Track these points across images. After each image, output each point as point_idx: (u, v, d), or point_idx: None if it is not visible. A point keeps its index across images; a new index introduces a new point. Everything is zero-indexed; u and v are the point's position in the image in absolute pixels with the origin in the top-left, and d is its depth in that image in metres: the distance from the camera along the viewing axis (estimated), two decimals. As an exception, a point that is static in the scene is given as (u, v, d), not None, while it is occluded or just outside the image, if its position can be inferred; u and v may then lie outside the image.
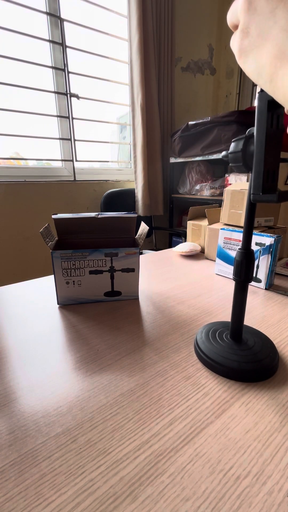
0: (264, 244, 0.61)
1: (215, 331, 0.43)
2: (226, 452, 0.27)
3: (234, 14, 0.21)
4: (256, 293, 0.62)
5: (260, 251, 0.63)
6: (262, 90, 0.27)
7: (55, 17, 1.50)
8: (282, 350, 0.42)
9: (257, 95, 0.28)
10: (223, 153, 0.34)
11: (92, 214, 0.55)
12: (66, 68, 1.58)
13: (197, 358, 0.40)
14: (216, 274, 0.74)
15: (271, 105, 0.27)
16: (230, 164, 0.33)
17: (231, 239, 0.68)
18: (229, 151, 0.33)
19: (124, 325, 0.49)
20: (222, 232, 0.71)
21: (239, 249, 0.38)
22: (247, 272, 0.37)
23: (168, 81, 1.89)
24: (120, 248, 0.53)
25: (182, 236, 1.95)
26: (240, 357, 0.37)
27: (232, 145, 0.33)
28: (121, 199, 1.86)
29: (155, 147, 1.87)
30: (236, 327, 0.40)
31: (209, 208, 0.96)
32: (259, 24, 0.19)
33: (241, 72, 2.23)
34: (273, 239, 0.60)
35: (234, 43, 0.21)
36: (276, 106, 0.28)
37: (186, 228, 1.02)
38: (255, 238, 0.63)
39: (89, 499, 0.23)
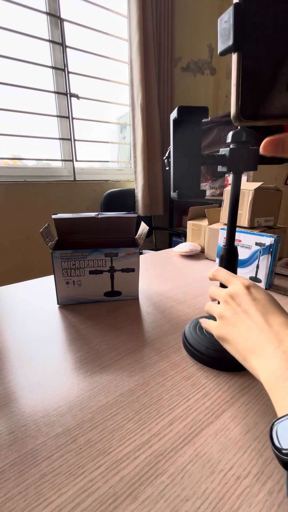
0: (264, 244, 0.61)
1: None
2: (226, 452, 0.27)
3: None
4: (256, 293, 0.62)
5: (260, 251, 0.63)
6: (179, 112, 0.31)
7: (55, 17, 1.50)
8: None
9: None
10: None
11: (92, 214, 0.55)
12: (66, 68, 1.58)
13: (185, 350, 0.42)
14: (216, 274, 0.74)
15: (176, 123, 0.33)
16: (166, 168, 0.39)
17: (231, 239, 0.68)
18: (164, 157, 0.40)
19: (124, 325, 0.49)
20: (222, 232, 0.71)
21: (223, 245, 0.39)
22: (230, 268, 0.39)
23: (168, 81, 1.89)
24: (120, 248, 0.53)
25: (182, 236, 1.95)
26: (220, 347, 0.39)
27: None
28: (121, 199, 1.86)
29: (155, 147, 1.87)
30: None
31: (209, 208, 0.96)
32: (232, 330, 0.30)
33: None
34: (273, 239, 0.60)
35: (218, 330, 0.32)
36: (182, 122, 0.33)
37: (186, 228, 1.02)
38: (255, 238, 0.63)
39: (89, 499, 0.23)
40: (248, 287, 0.30)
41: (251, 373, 0.27)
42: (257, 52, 0.20)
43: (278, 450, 0.17)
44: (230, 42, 0.20)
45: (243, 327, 0.28)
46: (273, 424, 0.19)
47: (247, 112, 0.21)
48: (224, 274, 0.35)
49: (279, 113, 0.21)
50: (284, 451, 0.17)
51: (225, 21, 0.21)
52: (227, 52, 0.21)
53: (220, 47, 0.22)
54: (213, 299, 0.37)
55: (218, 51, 0.22)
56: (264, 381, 0.23)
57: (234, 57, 0.21)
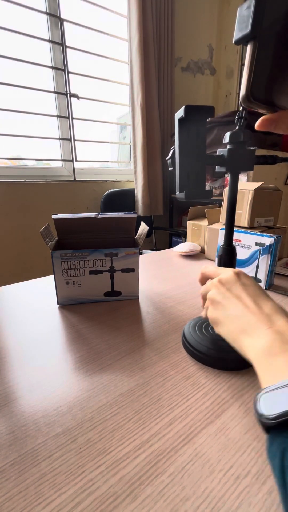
0: (264, 244, 0.61)
1: (201, 324, 0.45)
2: (226, 452, 0.27)
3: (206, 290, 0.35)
4: (256, 293, 0.62)
5: (260, 251, 0.63)
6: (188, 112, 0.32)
7: (55, 17, 1.50)
8: (282, 350, 0.42)
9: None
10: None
11: (92, 214, 0.55)
12: (66, 68, 1.58)
13: (184, 349, 0.42)
14: (216, 274, 0.74)
15: (181, 122, 0.32)
16: (169, 168, 0.39)
17: (231, 239, 0.68)
18: (167, 158, 0.38)
19: (124, 325, 0.49)
20: (222, 232, 0.70)
21: (221, 245, 0.39)
22: (228, 267, 0.39)
23: (168, 81, 1.89)
24: (120, 248, 0.53)
25: (182, 236, 1.95)
26: (220, 347, 0.39)
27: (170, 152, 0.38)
28: (121, 199, 1.86)
29: (155, 147, 1.87)
30: None
31: (209, 208, 0.96)
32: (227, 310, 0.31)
33: (241, 73, 2.23)
34: (273, 239, 0.60)
35: (210, 314, 0.33)
36: (188, 121, 0.32)
37: (186, 228, 1.02)
38: (255, 238, 0.63)
39: (89, 498, 0.23)
40: (237, 274, 0.32)
41: (240, 353, 0.28)
42: (273, 42, 0.20)
43: (260, 416, 0.20)
44: (248, 29, 0.20)
45: (235, 310, 0.30)
46: (257, 394, 0.21)
47: (257, 94, 0.21)
48: (212, 268, 0.37)
49: (285, 104, 0.22)
50: (266, 417, 0.20)
51: (245, 9, 0.20)
52: (243, 40, 0.21)
53: (237, 34, 0.21)
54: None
55: (234, 39, 0.22)
56: (253, 358, 0.26)
57: (250, 44, 0.21)
